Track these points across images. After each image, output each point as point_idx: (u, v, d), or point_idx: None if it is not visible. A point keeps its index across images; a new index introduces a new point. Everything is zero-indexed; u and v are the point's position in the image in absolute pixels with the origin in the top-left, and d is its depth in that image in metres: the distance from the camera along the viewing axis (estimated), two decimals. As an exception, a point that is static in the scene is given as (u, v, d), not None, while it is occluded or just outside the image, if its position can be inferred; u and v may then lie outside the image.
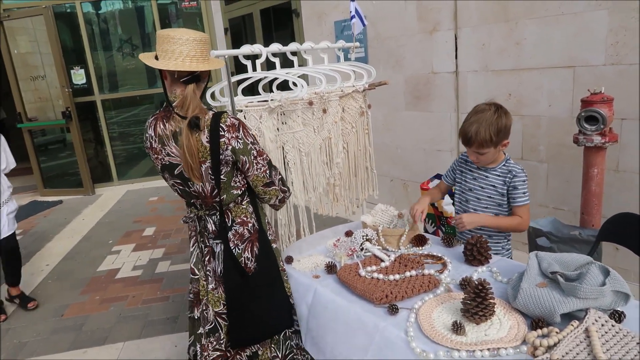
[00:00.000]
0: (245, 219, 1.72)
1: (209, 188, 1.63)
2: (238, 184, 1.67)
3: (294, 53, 2.45)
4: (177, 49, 1.50)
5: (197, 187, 1.63)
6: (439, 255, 1.82)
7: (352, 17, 2.54)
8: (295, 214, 2.34)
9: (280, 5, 5.07)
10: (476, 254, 1.71)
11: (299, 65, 2.52)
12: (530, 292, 1.38)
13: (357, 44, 2.68)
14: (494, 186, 1.89)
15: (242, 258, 1.70)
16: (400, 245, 1.95)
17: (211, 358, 1.71)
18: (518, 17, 2.96)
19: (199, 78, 1.60)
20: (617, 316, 1.30)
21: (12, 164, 3.18)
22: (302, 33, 4.79)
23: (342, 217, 2.82)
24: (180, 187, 1.69)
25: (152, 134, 1.62)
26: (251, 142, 1.62)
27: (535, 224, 2.48)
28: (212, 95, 2.16)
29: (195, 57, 1.52)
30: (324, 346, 1.67)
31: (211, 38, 6.37)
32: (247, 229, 1.71)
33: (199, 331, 1.73)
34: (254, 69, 2.15)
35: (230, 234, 1.69)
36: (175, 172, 1.63)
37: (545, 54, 2.88)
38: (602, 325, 1.26)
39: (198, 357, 1.72)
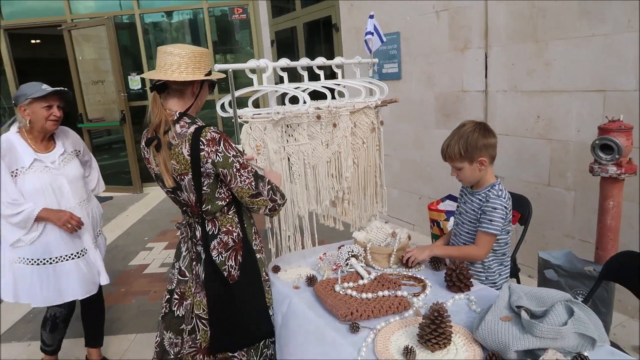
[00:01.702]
0: (230, 228, 1.76)
1: (194, 199, 1.69)
2: (223, 195, 1.72)
3: (320, 67, 2.51)
4: (163, 61, 1.62)
5: (184, 196, 1.70)
6: (422, 278, 1.79)
7: (369, 33, 2.56)
8: (300, 224, 2.39)
9: (323, 20, 5.17)
10: (455, 280, 1.67)
11: (326, 78, 2.57)
12: (491, 325, 1.33)
13: (376, 59, 2.69)
14: (473, 210, 1.83)
15: (226, 266, 1.74)
16: (390, 264, 1.93)
17: (187, 352, 1.79)
18: (548, 37, 2.84)
19: (164, 88, 1.67)
20: (580, 360, 1.22)
21: (102, 187, 2.67)
22: (341, 47, 4.85)
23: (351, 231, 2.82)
24: (172, 195, 1.76)
25: (144, 145, 1.72)
26: (233, 155, 1.64)
27: (546, 255, 2.36)
28: (222, 107, 2.26)
29: (175, 68, 1.61)
30: (285, 354, 1.70)
31: (258, 50, 6.60)
32: (231, 238, 1.76)
33: (181, 327, 1.81)
34: (260, 83, 2.22)
35: (215, 242, 1.74)
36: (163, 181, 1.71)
37: (575, 77, 2.74)
38: (560, 367, 1.20)
39: (175, 350, 1.82)
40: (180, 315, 1.84)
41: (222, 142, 1.63)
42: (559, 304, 1.31)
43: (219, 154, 1.62)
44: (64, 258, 2.21)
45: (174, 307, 1.84)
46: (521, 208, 2.38)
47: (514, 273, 2.41)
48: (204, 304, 1.76)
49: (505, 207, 1.76)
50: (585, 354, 1.24)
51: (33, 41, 10.61)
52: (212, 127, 1.64)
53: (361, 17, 4.41)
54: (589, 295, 1.86)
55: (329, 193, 2.47)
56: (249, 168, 1.70)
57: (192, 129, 1.62)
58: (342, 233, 2.67)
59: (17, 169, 2.13)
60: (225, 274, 1.74)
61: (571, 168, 2.85)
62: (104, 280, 2.40)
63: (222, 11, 6.74)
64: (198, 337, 1.77)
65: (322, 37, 5.40)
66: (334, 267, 1.89)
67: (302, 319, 1.65)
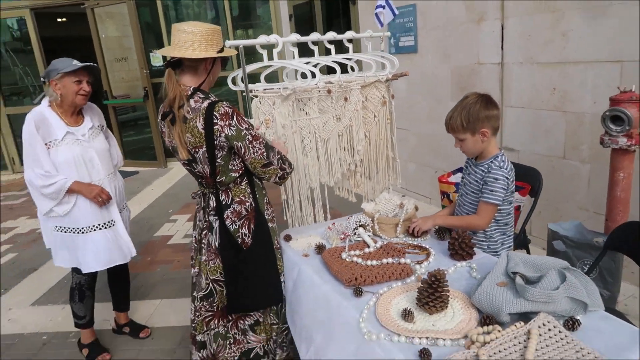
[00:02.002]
0: (243, 198, 1.86)
1: (208, 170, 1.78)
2: (236, 166, 1.81)
3: (349, 40, 2.54)
4: (178, 39, 1.70)
5: (199, 167, 1.79)
6: (426, 247, 1.86)
7: (381, 6, 2.57)
8: (312, 196, 2.47)
9: (340, -8, 5.14)
10: (458, 249, 1.73)
11: (354, 52, 2.61)
12: (486, 290, 1.39)
13: (388, 33, 2.69)
14: (476, 181, 1.88)
15: (240, 233, 1.85)
16: (397, 234, 2.00)
17: (203, 317, 1.91)
18: (565, 6, 2.78)
19: (178, 64, 1.75)
20: (571, 324, 1.28)
21: (122, 161, 2.66)
22: (358, 20, 4.82)
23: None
24: (188, 167, 1.85)
25: (160, 119, 1.82)
26: (245, 128, 1.73)
27: (555, 226, 2.38)
28: (234, 80, 2.33)
29: (185, 45, 1.68)
30: (296, 319, 1.81)
31: (277, 24, 6.59)
32: (244, 207, 1.86)
33: (193, 293, 1.95)
34: (270, 58, 2.27)
35: (228, 212, 1.84)
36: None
37: (591, 47, 2.69)
38: (550, 330, 1.25)
39: (192, 317, 1.94)
40: (192, 282, 1.96)
41: (234, 116, 1.71)
42: (553, 270, 1.36)
43: (232, 128, 1.70)
44: (92, 228, 2.33)
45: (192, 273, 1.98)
46: (532, 180, 2.40)
47: (524, 244, 2.45)
48: (220, 267, 1.87)
49: (507, 177, 1.80)
50: (578, 317, 1.29)
51: (59, 19, 10.81)
52: (224, 102, 1.72)
53: (378, -11, 4.36)
54: (593, 264, 1.90)
55: (340, 166, 2.54)
56: (260, 139, 1.78)
57: (205, 103, 1.70)
58: (356, 204, 2.74)
59: (50, 141, 2.23)
60: (239, 241, 1.84)
61: (586, 140, 2.83)
62: (133, 252, 2.50)
63: (241, -14, 6.74)
64: (215, 300, 1.90)
65: (340, 10, 5.36)
66: (342, 237, 1.97)
67: (311, 284, 1.74)
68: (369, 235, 1.95)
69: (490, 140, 1.84)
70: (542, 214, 3.09)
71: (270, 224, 1.94)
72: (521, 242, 2.39)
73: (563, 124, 2.95)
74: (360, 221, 2.00)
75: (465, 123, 1.79)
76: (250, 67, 2.24)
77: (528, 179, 2.39)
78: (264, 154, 1.77)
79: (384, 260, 1.72)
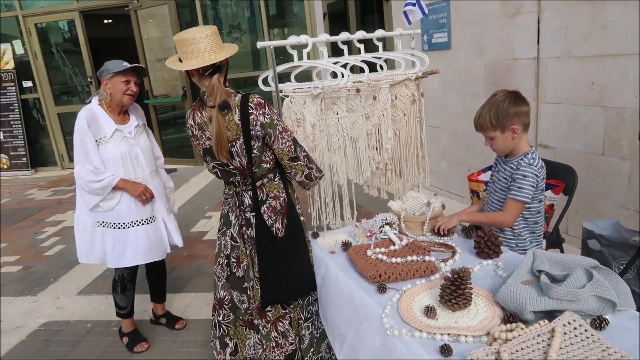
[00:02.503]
0: (277, 193, 1.95)
1: (245, 162, 1.85)
2: (267, 158, 1.89)
3: (379, 39, 2.57)
4: (195, 48, 1.74)
5: (236, 162, 1.86)
6: (452, 245, 1.85)
7: (410, 4, 2.56)
8: (340, 192, 2.50)
9: (373, -10, 5.13)
10: (484, 247, 1.72)
11: (386, 49, 2.63)
12: (510, 287, 1.39)
13: (418, 31, 2.68)
14: (505, 179, 1.85)
15: (274, 228, 1.93)
16: (423, 232, 2.01)
17: (255, 305, 2.02)
18: (605, -2, 2.69)
19: (220, 68, 1.81)
20: (599, 323, 1.26)
21: (162, 158, 2.76)
22: (391, 17, 4.80)
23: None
24: (220, 168, 1.92)
25: (193, 123, 1.89)
26: (276, 118, 1.83)
27: (590, 225, 2.32)
28: (264, 81, 2.39)
29: (212, 50, 1.75)
30: (327, 315, 1.84)
31: (311, 23, 6.65)
32: (278, 202, 1.94)
33: (244, 285, 2.03)
34: (300, 58, 2.31)
35: (264, 207, 1.92)
36: (215, 153, 1.87)
37: (633, 39, 2.59)
38: (575, 328, 1.24)
39: (244, 306, 2.05)
40: (240, 275, 2.03)
41: (266, 106, 1.82)
42: (579, 268, 1.34)
43: (266, 116, 1.80)
44: (133, 223, 2.44)
45: (234, 269, 2.04)
46: (566, 178, 2.34)
47: (557, 243, 2.39)
48: (257, 264, 1.96)
49: (537, 175, 1.77)
50: (607, 317, 1.27)
51: (105, 21, 11.28)
52: (256, 94, 1.83)
53: (411, -15, 4.33)
54: (629, 263, 1.84)
55: (369, 164, 2.56)
56: (289, 132, 1.88)
57: (238, 97, 1.81)
58: (386, 202, 2.75)
59: (100, 138, 2.35)
60: (273, 234, 1.92)
61: (627, 136, 2.72)
62: (168, 249, 2.63)
63: (276, -15, 6.83)
64: (258, 292, 1.99)
65: (374, 7, 5.35)
66: (369, 234, 1.99)
67: (336, 281, 1.78)
68: (395, 233, 1.97)
69: (520, 137, 1.82)
70: (580, 212, 3.00)
71: (301, 217, 2.03)
72: (554, 241, 2.34)
73: (602, 119, 2.85)
74: (386, 219, 2.01)
75: (495, 121, 1.78)
76: (281, 67, 2.30)
77: (562, 177, 2.33)
78: (292, 147, 1.87)
79: (409, 258, 1.74)
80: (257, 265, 1.96)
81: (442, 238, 1.94)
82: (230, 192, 2.00)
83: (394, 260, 1.74)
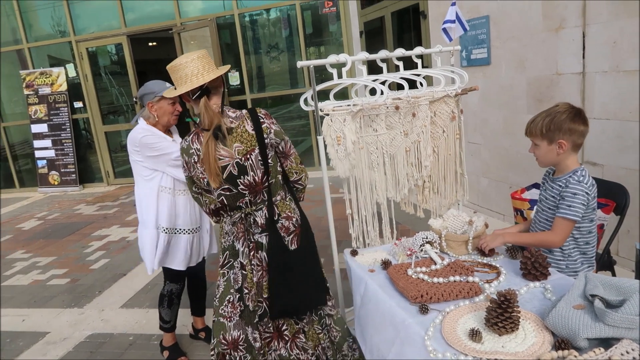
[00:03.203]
0: (289, 214, 1.94)
1: (260, 175, 1.83)
2: (279, 168, 1.95)
3: (418, 56, 2.58)
4: (183, 74, 1.76)
5: (249, 178, 1.81)
6: (497, 265, 1.80)
7: (450, 21, 2.55)
8: (379, 211, 2.49)
9: (410, 7, 5.13)
10: (531, 269, 1.66)
11: (424, 66, 2.63)
12: (562, 312, 1.33)
13: (458, 47, 2.66)
14: (553, 197, 1.79)
15: (287, 243, 1.92)
16: (467, 251, 1.96)
17: (264, 340, 1.97)
18: (656, 10, 2.59)
19: (208, 90, 1.79)
20: (660, 352, 1.18)
21: None
22: (429, 34, 4.79)
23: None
24: (228, 193, 1.85)
25: (198, 147, 1.82)
26: (281, 128, 1.92)
27: (644, 246, 2.19)
28: (305, 101, 2.43)
29: (199, 73, 1.75)
30: (366, 335, 1.81)
31: (347, 41, 6.72)
32: (291, 222, 1.93)
33: (255, 320, 1.94)
34: (340, 76, 2.33)
35: (277, 226, 1.88)
36: (224, 175, 1.81)
37: (688, 53, 2.48)
38: (634, 358, 1.17)
39: (257, 345, 1.95)
40: (252, 308, 1.94)
41: (270, 117, 1.89)
42: (637, 293, 1.27)
43: (275, 125, 1.89)
44: (184, 231, 2.50)
45: (247, 301, 1.93)
46: (617, 197, 2.23)
47: (609, 265, 2.27)
48: (265, 287, 1.90)
49: (587, 193, 1.70)
50: (667, 347, 1.19)
51: (150, 43, 11.81)
52: (262, 109, 1.92)
53: (449, 3, 4.31)
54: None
55: (408, 181, 2.53)
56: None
57: (244, 110, 1.87)
58: (424, 220, 2.71)
59: None
60: (286, 244, 1.92)
61: (683, 154, 2.59)
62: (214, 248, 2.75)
63: (313, 5, 6.95)
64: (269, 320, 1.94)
65: (411, 25, 5.36)
66: (409, 253, 1.96)
67: (376, 300, 1.75)
68: (436, 252, 1.93)
69: (568, 154, 1.76)
70: (632, 232, 2.85)
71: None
72: (605, 263, 2.22)
73: (655, 136, 2.72)
74: (427, 238, 1.98)
75: (545, 130, 1.74)
76: (320, 86, 2.33)
77: (612, 196, 2.22)
78: (297, 154, 2.03)
79: (451, 278, 1.69)
80: (267, 278, 1.89)
81: (486, 258, 1.89)
82: (237, 217, 1.90)
83: (435, 280, 1.70)
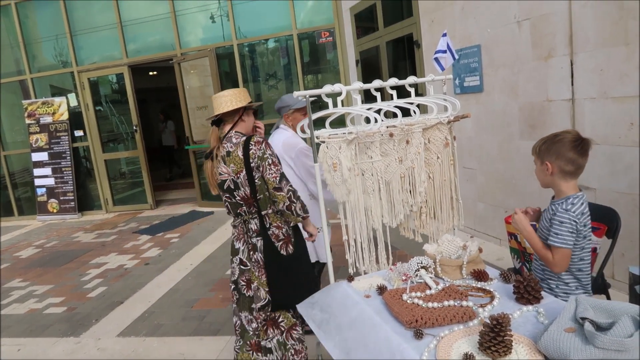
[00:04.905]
0: (280, 224, 2.32)
1: (249, 191, 2.24)
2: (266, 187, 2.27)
3: (411, 85, 2.66)
4: (216, 104, 2.33)
5: (241, 192, 2.25)
6: (490, 290, 1.82)
7: (442, 51, 2.63)
8: (375, 236, 2.51)
9: (405, 37, 5.28)
10: (524, 292, 1.68)
11: (418, 94, 2.72)
12: (553, 335, 1.35)
13: (450, 76, 2.74)
14: (546, 220, 1.83)
15: (279, 248, 2.32)
16: (462, 275, 1.98)
17: (262, 325, 2.34)
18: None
19: (220, 121, 2.37)
20: (650, 375, 1.20)
21: None
22: (422, 63, 4.91)
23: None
24: (229, 200, 2.31)
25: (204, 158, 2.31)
26: (269, 154, 2.23)
27: (637, 269, 2.21)
28: (302, 129, 2.48)
29: (219, 107, 2.29)
30: (355, 358, 1.81)
31: (344, 69, 6.87)
32: (281, 232, 2.32)
33: (252, 306, 2.34)
34: (335, 105, 2.40)
35: (270, 232, 2.29)
36: (224, 187, 2.28)
37: (672, 79, 2.56)
38: (624, 380, 1.19)
39: (253, 326, 2.35)
40: (250, 295, 2.34)
41: (263, 143, 2.24)
42: (626, 316, 1.29)
43: (260, 150, 2.22)
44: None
45: (243, 291, 2.34)
46: (608, 220, 2.26)
47: (603, 289, 2.29)
48: (265, 281, 2.30)
49: (575, 221, 1.74)
50: (657, 369, 1.21)
51: (151, 73, 12.03)
52: (258, 136, 2.30)
53: (442, 32, 4.44)
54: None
55: (403, 207, 2.57)
56: (278, 167, 2.25)
57: (244, 138, 2.27)
58: (421, 245, 2.73)
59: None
60: (279, 251, 2.31)
61: (672, 178, 2.64)
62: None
63: (310, 35, 7.14)
64: (269, 308, 2.27)
65: (405, 53, 5.50)
66: (404, 278, 1.98)
67: (372, 325, 1.76)
68: (430, 277, 1.95)
69: (560, 179, 1.82)
70: (626, 255, 2.88)
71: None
72: (600, 286, 2.24)
73: (645, 160, 2.78)
74: (422, 263, 2.00)
75: (539, 148, 1.83)
76: (316, 115, 2.39)
77: (604, 219, 2.26)
78: (277, 178, 2.22)
79: (446, 303, 1.71)
80: (266, 277, 2.28)
81: (480, 283, 1.91)
82: (238, 221, 2.36)
83: (430, 305, 1.72)
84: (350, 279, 2.12)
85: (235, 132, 2.31)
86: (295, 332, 2.31)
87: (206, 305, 3.82)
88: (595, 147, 3.05)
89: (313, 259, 3.04)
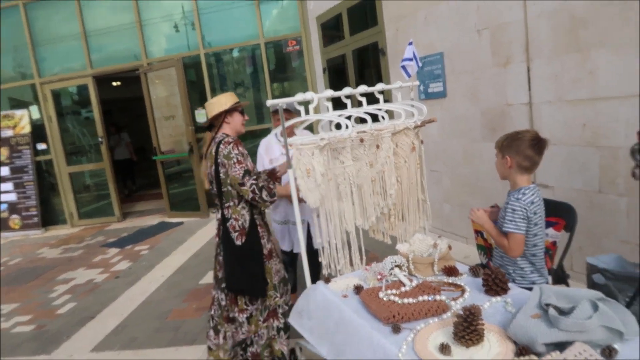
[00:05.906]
0: (237, 217, 2.60)
1: (215, 184, 2.57)
2: (229, 182, 2.55)
3: (380, 92, 2.75)
4: (208, 110, 2.67)
5: (214, 185, 2.61)
6: (461, 284, 1.92)
7: (408, 59, 2.75)
8: (348, 239, 2.58)
9: (370, 45, 5.42)
10: (492, 284, 1.79)
11: (385, 101, 2.83)
12: (521, 322, 1.45)
13: (417, 82, 2.87)
14: (504, 211, 1.98)
15: (234, 238, 2.61)
16: (434, 272, 2.08)
17: (224, 302, 2.73)
18: (590, 45, 2.88)
19: (211, 126, 2.70)
20: (608, 352, 1.31)
21: None
22: (388, 70, 5.06)
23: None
24: (211, 192, 2.67)
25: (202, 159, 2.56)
26: (236, 153, 2.49)
27: (594, 260, 2.38)
28: (276, 136, 2.54)
29: (209, 112, 2.64)
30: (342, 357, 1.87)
31: (311, 77, 6.97)
32: (238, 224, 2.60)
33: (223, 285, 2.74)
34: (307, 113, 2.47)
35: (228, 224, 2.59)
36: (209, 180, 2.68)
37: (621, 83, 2.75)
38: (586, 358, 1.29)
39: (223, 303, 2.75)
40: (221, 277, 2.74)
41: (232, 144, 2.51)
42: (585, 300, 1.40)
43: (226, 149, 2.50)
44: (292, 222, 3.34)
45: (217, 271, 2.78)
46: (566, 215, 2.43)
47: (563, 279, 2.44)
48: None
49: (525, 209, 1.91)
50: (615, 346, 1.32)
51: (114, 83, 11.80)
52: (231, 137, 2.58)
53: (406, 40, 4.59)
54: (634, 295, 1.89)
55: (374, 209, 2.65)
56: (243, 165, 2.50)
57: (221, 138, 2.57)
58: (391, 246, 2.82)
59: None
60: (233, 240, 2.60)
61: (622, 174, 2.83)
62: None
63: (277, 44, 7.20)
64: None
65: (371, 61, 5.64)
66: (379, 277, 2.06)
67: (352, 325, 1.83)
68: (404, 275, 2.03)
69: (516, 172, 1.98)
70: (583, 249, 3.06)
71: (263, 240, 2.67)
72: (560, 277, 2.39)
73: (597, 158, 2.97)
74: (395, 262, 2.09)
75: (501, 143, 1.99)
76: (289, 122, 2.45)
77: (561, 214, 2.42)
78: (240, 175, 2.48)
79: (420, 298, 1.80)
80: (222, 261, 2.64)
81: (451, 278, 2.01)
82: (216, 210, 2.70)
83: (406, 300, 1.80)
84: (327, 280, 2.19)
85: (222, 133, 2.62)
86: (241, 316, 2.66)
87: (180, 315, 3.80)
88: (552, 147, 3.26)
89: (288, 248, 3.52)
